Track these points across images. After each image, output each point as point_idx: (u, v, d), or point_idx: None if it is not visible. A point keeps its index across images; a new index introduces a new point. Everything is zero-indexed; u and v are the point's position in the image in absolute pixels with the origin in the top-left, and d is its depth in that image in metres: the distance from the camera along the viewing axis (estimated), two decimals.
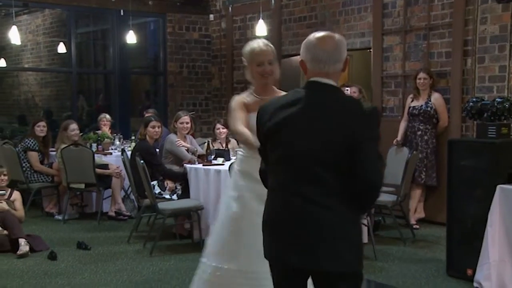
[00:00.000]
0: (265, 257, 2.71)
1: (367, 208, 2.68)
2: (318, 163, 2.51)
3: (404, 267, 5.66)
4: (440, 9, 7.48)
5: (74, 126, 7.94)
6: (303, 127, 2.56)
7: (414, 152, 6.75)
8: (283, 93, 3.29)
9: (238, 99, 3.81)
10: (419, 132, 7.17)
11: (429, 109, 7.13)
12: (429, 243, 6.56)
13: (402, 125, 7.39)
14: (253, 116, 2.95)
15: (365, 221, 6.10)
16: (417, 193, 7.23)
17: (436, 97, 7.18)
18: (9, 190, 6.52)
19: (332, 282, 2.58)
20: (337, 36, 2.74)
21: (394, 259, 5.94)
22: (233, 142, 7.45)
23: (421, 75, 7.16)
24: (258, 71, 3.74)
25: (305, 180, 2.53)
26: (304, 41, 2.74)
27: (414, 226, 7.05)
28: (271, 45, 3.79)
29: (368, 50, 8.47)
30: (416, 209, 7.27)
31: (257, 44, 3.75)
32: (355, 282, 2.65)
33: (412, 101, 7.30)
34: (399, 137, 7.32)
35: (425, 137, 7.16)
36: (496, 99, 5.26)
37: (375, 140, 2.53)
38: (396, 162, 6.96)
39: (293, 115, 2.59)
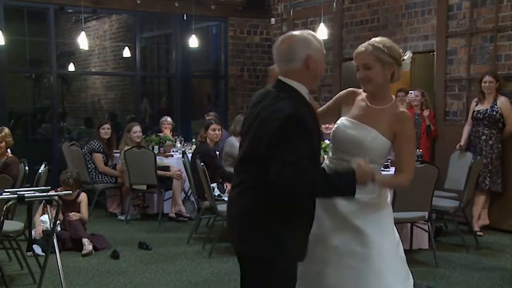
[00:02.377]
0: None
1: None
2: (246, 159, 2.72)
3: (466, 275, 5.52)
4: (509, 10, 7.26)
5: (137, 128, 8.10)
6: (249, 128, 2.74)
7: (478, 157, 6.58)
8: (399, 106, 3.10)
9: (352, 89, 3.25)
10: (484, 137, 6.99)
11: (494, 113, 6.94)
12: (494, 251, 6.38)
13: (466, 130, 7.22)
14: (345, 110, 3.14)
15: (425, 227, 6.00)
16: (481, 199, 7.05)
17: (502, 101, 6.98)
18: (77, 191, 6.69)
19: (243, 263, 2.80)
20: (297, 34, 2.77)
21: (456, 266, 5.81)
22: None
23: (487, 78, 6.98)
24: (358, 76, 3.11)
25: (237, 172, 2.80)
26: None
27: (478, 233, 6.87)
28: (378, 45, 3.00)
29: (432, 53, 8.31)
30: (480, 216, 7.10)
31: (361, 45, 3.08)
32: (267, 270, 2.67)
33: (476, 105, 7.12)
34: (462, 142, 7.16)
35: (490, 142, 6.97)
36: None
37: (282, 159, 2.52)
38: (459, 167, 6.82)
39: (248, 115, 2.83)
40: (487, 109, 6.99)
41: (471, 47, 7.69)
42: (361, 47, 3.04)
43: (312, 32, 2.89)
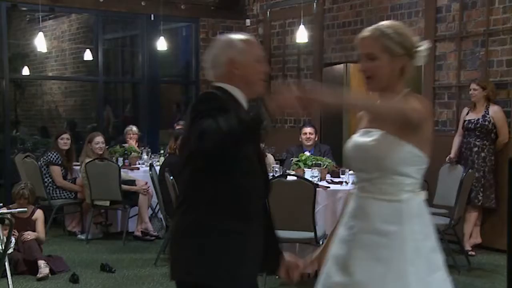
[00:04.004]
0: None
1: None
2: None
3: None
4: (501, 13, 7.36)
5: (99, 138, 8.02)
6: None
7: (470, 170, 6.62)
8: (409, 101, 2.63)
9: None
10: (476, 149, 7.04)
11: (486, 123, 7.00)
12: (487, 272, 6.43)
13: (456, 141, 7.27)
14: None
15: None
16: (473, 216, 7.09)
17: (495, 110, 7.05)
18: (32, 208, 6.58)
19: None
20: (220, 38, 2.84)
21: None
22: (269, 157, 7.42)
23: (472, 85, 7.10)
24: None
25: None
26: None
27: (470, 253, 6.91)
28: (387, 30, 2.62)
29: None
30: (471, 234, 7.14)
31: (367, 28, 2.72)
32: None
33: (467, 114, 7.19)
34: (452, 154, 7.21)
35: (482, 154, 7.03)
36: None
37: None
38: (449, 181, 6.85)
39: None
40: (478, 119, 7.05)
41: (461, 52, 7.77)
42: (366, 31, 2.67)
43: (244, 34, 2.87)
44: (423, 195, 2.72)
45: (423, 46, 2.65)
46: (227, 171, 2.61)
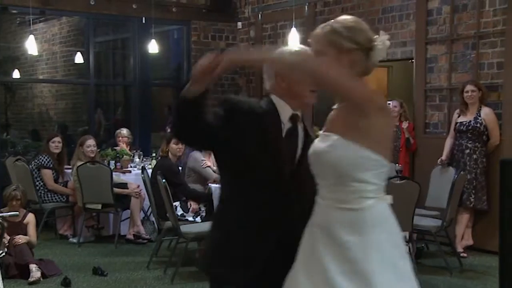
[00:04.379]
0: None
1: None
2: None
3: None
4: (492, 16, 7.41)
5: (91, 141, 8.01)
6: None
7: (462, 172, 6.67)
8: None
9: None
10: (468, 151, 7.08)
11: (478, 125, 7.04)
12: (479, 274, 6.46)
13: (448, 143, 7.31)
14: None
15: (406, 248, 6.01)
16: (464, 218, 7.13)
17: (486, 112, 7.09)
18: (23, 211, 6.56)
19: None
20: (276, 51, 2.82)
21: None
22: None
23: (469, 87, 7.10)
24: None
25: None
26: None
27: (462, 254, 6.94)
28: (336, 25, 2.57)
29: (410, 61, 8.42)
30: (463, 236, 7.18)
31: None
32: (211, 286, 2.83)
33: (459, 116, 7.22)
34: (444, 156, 7.24)
35: (474, 156, 7.07)
36: None
37: None
38: (441, 183, 6.89)
39: None
40: (470, 121, 7.09)
41: (452, 55, 7.82)
42: (318, 28, 2.61)
43: (298, 46, 2.86)
44: (388, 199, 2.58)
45: (380, 41, 2.53)
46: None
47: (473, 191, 7.05)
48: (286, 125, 2.77)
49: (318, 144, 2.58)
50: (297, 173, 2.75)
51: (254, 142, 2.69)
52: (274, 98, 2.79)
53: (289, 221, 2.69)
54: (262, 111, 2.74)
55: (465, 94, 7.13)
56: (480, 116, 7.08)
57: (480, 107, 7.11)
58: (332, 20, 2.60)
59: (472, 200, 7.05)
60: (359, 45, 2.51)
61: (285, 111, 2.77)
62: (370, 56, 2.53)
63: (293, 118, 2.78)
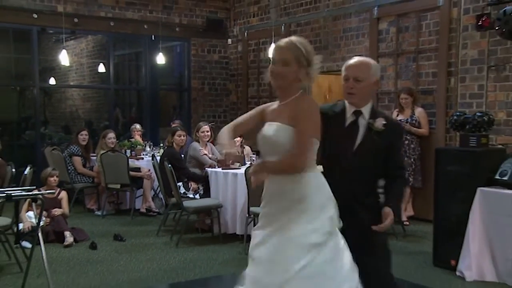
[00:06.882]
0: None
1: None
2: None
3: (395, 259, 5.50)
4: (427, 36, 7.46)
5: (111, 134, 7.98)
6: None
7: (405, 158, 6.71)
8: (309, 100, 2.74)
9: (263, 106, 2.97)
10: (406, 142, 7.12)
11: (414, 121, 7.11)
12: (418, 238, 6.51)
13: None
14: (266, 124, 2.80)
15: None
16: (406, 194, 7.18)
17: (419, 111, 7.16)
18: (58, 189, 6.55)
19: None
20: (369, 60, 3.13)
21: None
22: (247, 148, 7.44)
23: (403, 95, 7.15)
24: None
25: None
26: (374, 63, 3.01)
27: (405, 223, 6.97)
28: (300, 46, 2.68)
29: None
30: (406, 208, 7.23)
31: (282, 39, 2.76)
32: None
33: (397, 115, 7.25)
34: None
35: (412, 145, 7.12)
36: (477, 114, 5.24)
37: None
38: None
39: None
40: (407, 119, 7.14)
41: (397, 66, 7.85)
42: (282, 42, 2.69)
43: (354, 58, 3.07)
44: (319, 169, 2.79)
45: (317, 61, 2.72)
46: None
47: (412, 173, 7.10)
48: (348, 119, 3.00)
49: (265, 130, 2.74)
50: (355, 156, 2.93)
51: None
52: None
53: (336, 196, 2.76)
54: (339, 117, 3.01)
55: (400, 100, 7.18)
56: (414, 114, 7.14)
57: (414, 107, 7.16)
58: (294, 38, 2.71)
59: (411, 180, 7.10)
60: (309, 63, 2.68)
61: (350, 109, 3.01)
62: (311, 72, 2.70)
63: (355, 113, 3.00)
